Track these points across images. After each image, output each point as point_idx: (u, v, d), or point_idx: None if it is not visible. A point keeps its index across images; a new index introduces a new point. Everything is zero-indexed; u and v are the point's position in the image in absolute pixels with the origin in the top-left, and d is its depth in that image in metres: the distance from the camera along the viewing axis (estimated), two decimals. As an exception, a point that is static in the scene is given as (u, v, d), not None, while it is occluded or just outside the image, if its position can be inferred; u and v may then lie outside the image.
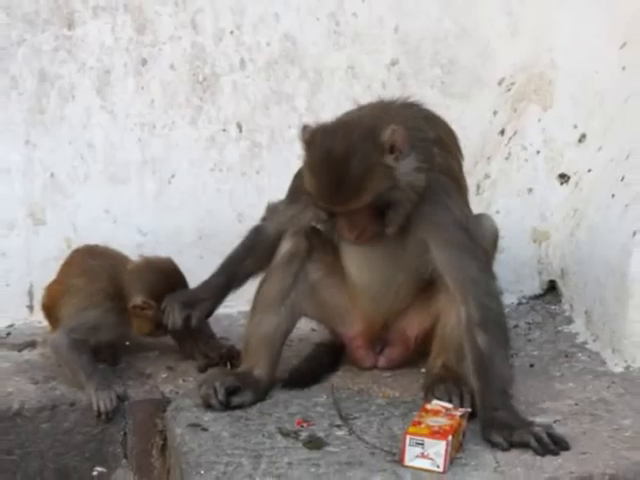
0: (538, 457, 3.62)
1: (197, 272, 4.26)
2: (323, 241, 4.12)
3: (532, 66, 5.02)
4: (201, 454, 3.70)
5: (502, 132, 5.04)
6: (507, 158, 5.03)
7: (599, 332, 4.48)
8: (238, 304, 4.41)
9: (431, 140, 3.97)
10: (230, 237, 4.32)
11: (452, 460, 3.60)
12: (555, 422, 3.84)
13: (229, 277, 4.22)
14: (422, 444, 3.56)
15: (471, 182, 4.50)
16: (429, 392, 3.98)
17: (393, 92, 4.36)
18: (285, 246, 4.13)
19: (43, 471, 4.09)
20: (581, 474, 3.54)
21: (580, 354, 4.47)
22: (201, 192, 4.87)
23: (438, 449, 3.55)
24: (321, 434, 3.81)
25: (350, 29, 4.90)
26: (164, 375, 4.29)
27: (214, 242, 4.76)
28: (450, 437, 3.57)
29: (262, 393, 4.07)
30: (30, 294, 4.75)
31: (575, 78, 4.97)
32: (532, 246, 5.00)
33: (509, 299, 4.82)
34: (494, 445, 3.69)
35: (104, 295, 4.22)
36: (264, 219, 4.26)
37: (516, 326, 4.71)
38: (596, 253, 4.54)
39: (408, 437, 3.58)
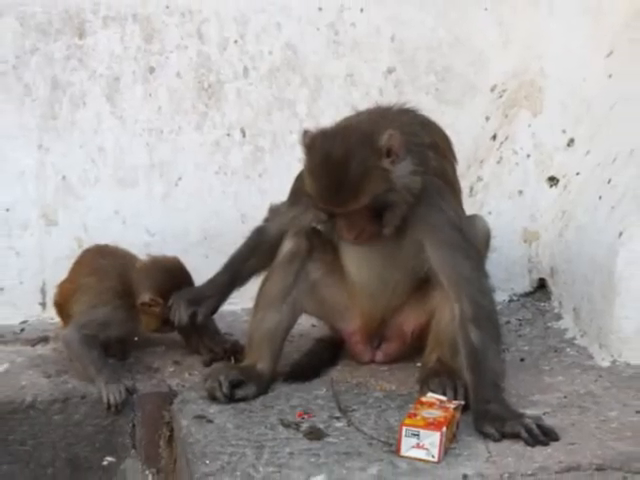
0: (528, 447, 3.62)
1: (202, 271, 4.26)
2: (323, 241, 4.12)
3: (523, 74, 5.02)
4: (206, 445, 3.69)
5: (494, 137, 5.03)
6: (499, 162, 5.03)
7: (587, 328, 4.48)
8: (242, 301, 4.40)
9: (426, 145, 3.96)
10: (234, 237, 4.31)
11: (446, 450, 3.60)
12: (545, 414, 3.84)
13: (233, 275, 4.21)
14: (418, 435, 3.56)
15: (464, 185, 4.50)
16: (424, 385, 3.98)
17: (390, 99, 4.35)
18: (287, 246, 4.13)
19: (55, 461, 4.09)
20: (570, 464, 3.53)
21: (569, 349, 4.46)
22: (206, 194, 4.87)
23: (433, 440, 3.55)
24: (321, 425, 3.81)
25: (349, 38, 4.90)
26: (171, 369, 4.29)
27: (219, 242, 4.75)
28: (444, 428, 3.56)
29: (265, 386, 4.07)
30: (43, 292, 4.75)
31: (564, 85, 4.97)
32: (523, 246, 5.00)
33: (501, 296, 4.81)
34: (486, 436, 3.68)
35: (113, 293, 4.22)
36: (266, 220, 4.25)
37: (507, 322, 4.71)
38: (584, 252, 4.53)
39: (404, 428, 3.58)
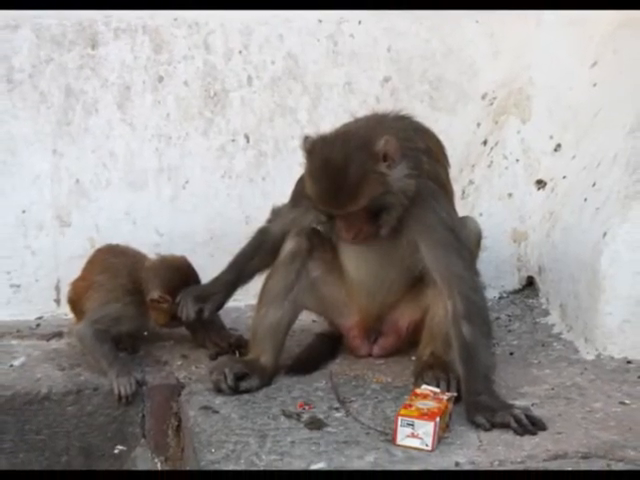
0: (517, 437, 3.62)
1: (208, 269, 4.25)
2: (323, 241, 4.11)
3: (512, 82, 5.02)
4: (212, 434, 3.70)
5: (485, 142, 5.03)
6: (489, 166, 5.02)
7: (573, 323, 4.48)
8: (246, 298, 4.40)
9: (421, 150, 3.96)
10: (238, 237, 4.31)
11: (440, 439, 3.60)
12: (533, 405, 3.84)
13: (237, 274, 4.21)
14: (412, 425, 3.56)
15: (457, 188, 4.49)
16: (419, 378, 3.97)
17: (386, 106, 4.35)
18: (288, 246, 4.13)
19: (69, 449, 4.09)
20: (557, 452, 3.53)
21: (556, 343, 4.46)
22: (212, 197, 4.87)
23: (427, 429, 3.55)
24: (321, 416, 3.81)
25: (347, 49, 4.90)
26: (179, 362, 4.29)
27: (224, 242, 4.75)
28: (438, 418, 3.57)
29: (267, 379, 4.07)
30: (57, 289, 4.74)
31: (551, 93, 4.97)
32: (512, 245, 4.99)
33: (491, 293, 4.81)
34: (477, 426, 3.68)
35: (124, 290, 4.22)
36: (269, 221, 4.25)
37: (498, 318, 4.70)
38: (570, 252, 4.53)
39: (400, 418, 3.58)
